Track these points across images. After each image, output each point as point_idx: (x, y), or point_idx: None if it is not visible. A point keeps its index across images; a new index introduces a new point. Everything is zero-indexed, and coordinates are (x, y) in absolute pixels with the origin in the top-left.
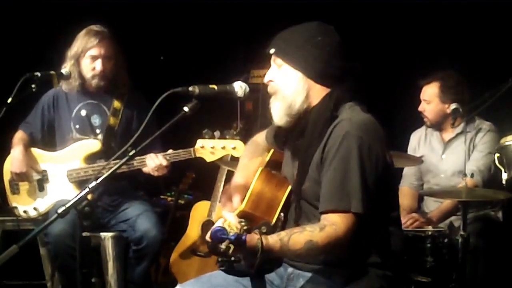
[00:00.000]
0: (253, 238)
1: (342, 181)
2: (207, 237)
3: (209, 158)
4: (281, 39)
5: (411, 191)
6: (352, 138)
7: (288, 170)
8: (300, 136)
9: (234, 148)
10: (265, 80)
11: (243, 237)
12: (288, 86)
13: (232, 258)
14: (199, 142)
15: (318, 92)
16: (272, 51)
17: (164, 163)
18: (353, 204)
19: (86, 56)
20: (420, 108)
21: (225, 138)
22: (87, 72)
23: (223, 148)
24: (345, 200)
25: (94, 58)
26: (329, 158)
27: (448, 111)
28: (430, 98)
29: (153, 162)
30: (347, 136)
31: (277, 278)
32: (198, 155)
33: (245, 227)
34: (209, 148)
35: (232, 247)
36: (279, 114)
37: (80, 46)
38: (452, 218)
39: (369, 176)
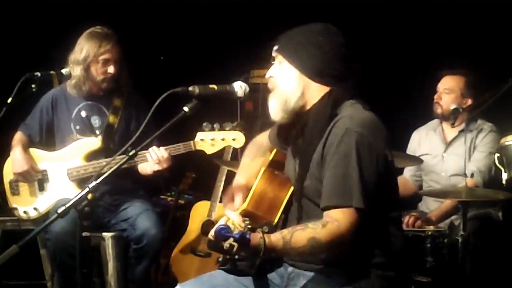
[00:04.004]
0: (256, 236)
1: (343, 177)
2: (210, 235)
3: (209, 150)
4: (285, 36)
5: (408, 181)
6: (352, 135)
7: (290, 168)
8: (301, 135)
9: (234, 140)
10: (267, 75)
11: (248, 236)
12: (285, 83)
13: (236, 257)
14: (199, 135)
15: (316, 91)
16: (275, 47)
17: (166, 154)
18: (354, 200)
19: (98, 61)
20: (436, 97)
21: (224, 130)
22: (98, 75)
23: (223, 139)
24: (346, 196)
25: (106, 61)
26: (329, 154)
27: (464, 106)
28: (453, 88)
29: (155, 154)
30: (347, 132)
31: (277, 278)
32: (198, 147)
33: (249, 226)
34: (209, 140)
35: (236, 245)
36: (275, 109)
37: (91, 51)
38: (452, 217)
39: (369, 172)
